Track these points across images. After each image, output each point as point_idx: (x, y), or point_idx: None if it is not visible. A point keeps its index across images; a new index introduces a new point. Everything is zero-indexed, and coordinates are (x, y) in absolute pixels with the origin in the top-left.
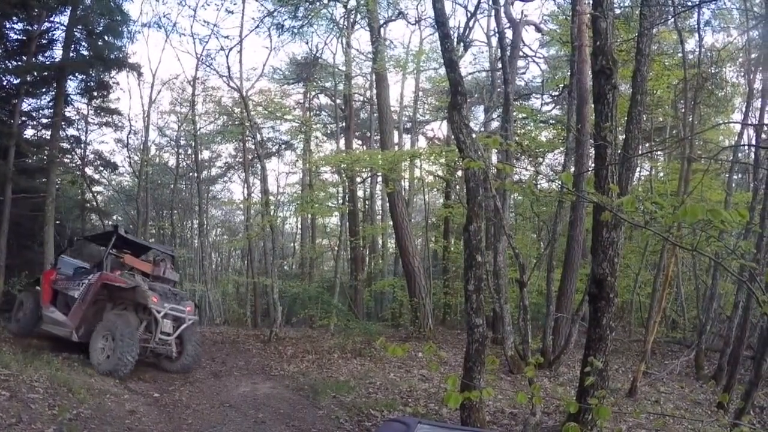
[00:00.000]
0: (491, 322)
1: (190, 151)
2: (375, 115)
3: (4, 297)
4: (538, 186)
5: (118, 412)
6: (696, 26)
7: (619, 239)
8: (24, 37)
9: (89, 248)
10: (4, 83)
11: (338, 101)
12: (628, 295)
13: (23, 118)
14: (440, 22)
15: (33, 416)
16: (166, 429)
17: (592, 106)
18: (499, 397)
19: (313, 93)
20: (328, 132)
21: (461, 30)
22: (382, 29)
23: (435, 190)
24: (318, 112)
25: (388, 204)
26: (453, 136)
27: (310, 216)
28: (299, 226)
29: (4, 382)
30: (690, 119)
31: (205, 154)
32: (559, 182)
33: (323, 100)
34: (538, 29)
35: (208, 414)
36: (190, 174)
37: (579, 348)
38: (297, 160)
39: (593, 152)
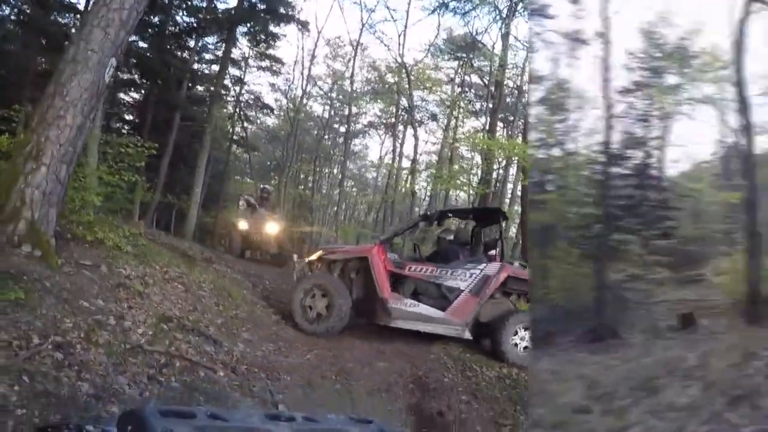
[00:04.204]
0: None
1: (338, 105)
2: (522, 101)
3: (157, 208)
4: None
5: (266, 320)
6: None
7: None
8: None
9: None
10: (180, 21)
11: (490, 85)
12: None
13: (193, 54)
14: None
15: (204, 308)
16: (305, 340)
17: None
18: None
19: (465, 72)
20: (473, 110)
21: None
22: None
23: None
24: (467, 90)
25: (519, 192)
26: None
27: (442, 188)
28: (428, 195)
29: (179, 278)
30: None
31: (353, 110)
32: None
33: (473, 78)
34: None
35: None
36: (334, 125)
37: None
38: (438, 131)
39: None
